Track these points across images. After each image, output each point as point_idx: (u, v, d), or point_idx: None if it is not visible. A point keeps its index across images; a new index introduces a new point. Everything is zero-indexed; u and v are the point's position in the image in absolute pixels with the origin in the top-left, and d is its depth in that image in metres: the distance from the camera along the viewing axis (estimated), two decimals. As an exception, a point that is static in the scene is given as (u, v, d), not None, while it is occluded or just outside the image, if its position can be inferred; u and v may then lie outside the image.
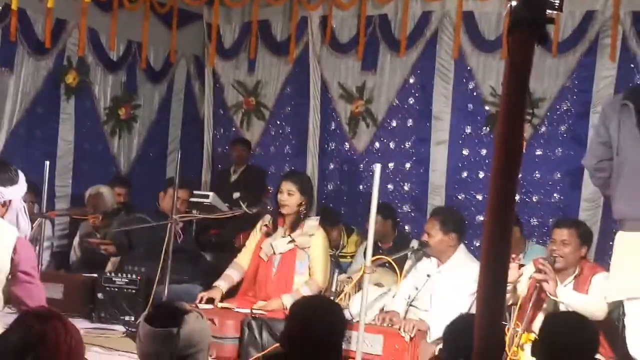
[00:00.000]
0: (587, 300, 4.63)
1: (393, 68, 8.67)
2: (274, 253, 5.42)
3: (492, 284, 1.95)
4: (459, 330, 2.86)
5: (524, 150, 2.09)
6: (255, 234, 5.62)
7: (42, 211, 5.63)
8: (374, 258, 4.65)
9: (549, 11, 2.27)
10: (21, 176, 3.69)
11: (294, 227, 5.42)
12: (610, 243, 7.39)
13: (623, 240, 4.62)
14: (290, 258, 5.41)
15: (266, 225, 5.52)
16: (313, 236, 5.44)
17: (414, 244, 6.59)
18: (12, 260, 3.54)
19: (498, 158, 2.11)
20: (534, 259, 5.07)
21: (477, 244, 7.98)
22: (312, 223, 5.49)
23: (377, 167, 4.36)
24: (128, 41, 8.99)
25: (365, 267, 4.29)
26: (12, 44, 7.89)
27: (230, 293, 5.48)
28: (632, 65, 7.53)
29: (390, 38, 8.64)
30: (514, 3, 2.39)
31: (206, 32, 9.57)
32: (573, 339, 2.76)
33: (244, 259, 5.60)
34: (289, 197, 5.37)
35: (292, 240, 5.40)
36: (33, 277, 3.58)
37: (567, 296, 4.68)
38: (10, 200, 3.60)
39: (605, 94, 7.56)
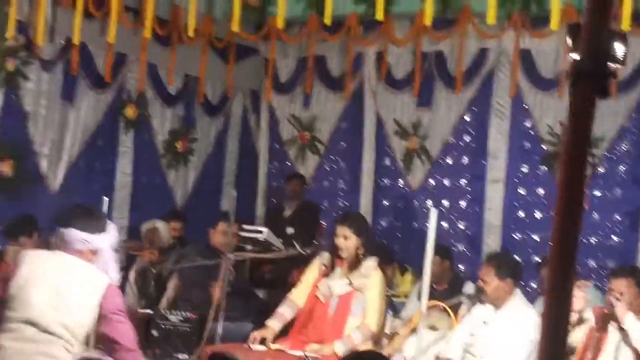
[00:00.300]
0: None
1: (448, 105, 8.64)
2: (332, 294, 5.38)
3: (554, 330, 1.93)
4: None
5: (585, 209, 2.07)
6: (312, 271, 5.57)
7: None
8: (429, 304, 4.60)
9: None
10: (111, 225, 3.75)
11: (351, 268, 5.39)
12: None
13: None
14: (347, 300, 5.35)
15: (324, 265, 5.48)
16: (370, 278, 5.39)
17: (469, 288, 6.51)
18: (101, 305, 3.57)
19: (560, 215, 2.09)
20: (594, 307, 4.97)
21: (534, 286, 7.88)
22: (370, 264, 5.43)
23: (434, 212, 4.32)
24: (186, 75, 9.12)
25: (420, 313, 4.24)
26: (73, 77, 8.05)
27: (283, 330, 5.45)
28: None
29: (446, 75, 8.62)
30: (576, 56, 2.36)
31: (263, 67, 9.65)
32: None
33: (298, 296, 5.55)
34: (345, 241, 5.33)
35: (350, 283, 5.35)
36: (123, 317, 3.63)
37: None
38: (99, 249, 3.65)
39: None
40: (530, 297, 7.67)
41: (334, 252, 5.39)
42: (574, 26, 2.13)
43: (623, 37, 2.26)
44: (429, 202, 8.66)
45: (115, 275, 3.67)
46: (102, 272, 3.64)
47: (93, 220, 3.67)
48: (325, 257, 5.51)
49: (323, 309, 5.35)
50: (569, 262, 1.98)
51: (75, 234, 3.59)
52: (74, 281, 3.57)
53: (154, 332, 5.60)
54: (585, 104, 2.18)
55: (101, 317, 3.59)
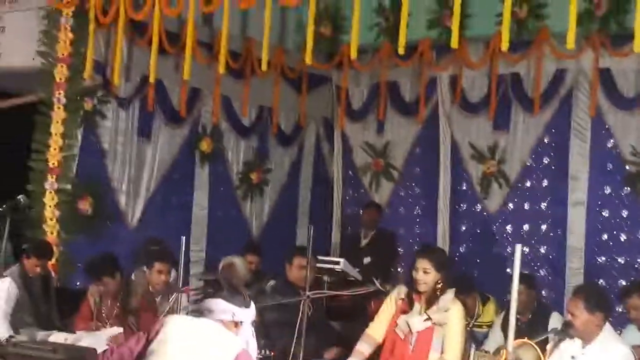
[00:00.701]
0: None
1: (526, 127, 8.48)
2: (410, 331, 5.27)
3: None
4: None
5: None
6: (390, 305, 5.47)
7: (178, 286, 5.71)
8: (516, 343, 4.45)
9: None
10: (252, 303, 3.92)
11: (430, 303, 5.27)
12: None
13: None
14: (427, 336, 5.23)
15: (402, 299, 5.39)
16: (449, 311, 5.27)
17: (555, 320, 6.31)
18: None
19: None
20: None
21: (620, 310, 7.62)
22: (448, 296, 5.31)
23: (518, 248, 4.18)
24: (259, 106, 9.15)
25: (507, 353, 4.10)
26: (150, 114, 8.14)
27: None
28: None
29: (522, 96, 8.47)
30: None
31: (335, 95, 9.64)
32: None
33: (376, 332, 5.45)
34: (425, 275, 5.22)
35: (429, 318, 5.24)
36: None
37: None
38: (241, 322, 3.83)
39: None
40: (616, 322, 7.45)
41: (412, 286, 5.29)
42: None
43: None
44: (509, 227, 8.49)
45: (254, 349, 3.87)
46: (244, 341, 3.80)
47: (238, 296, 3.85)
48: (402, 290, 5.41)
49: (403, 346, 5.25)
50: None
51: (223, 305, 3.78)
52: (212, 342, 3.71)
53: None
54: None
55: None
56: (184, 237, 5.60)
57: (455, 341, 5.23)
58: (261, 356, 5.46)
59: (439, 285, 5.23)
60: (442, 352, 5.21)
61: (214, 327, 3.78)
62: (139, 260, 6.76)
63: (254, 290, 6.76)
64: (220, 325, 3.78)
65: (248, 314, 3.88)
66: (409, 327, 5.25)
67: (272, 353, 5.42)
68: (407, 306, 5.33)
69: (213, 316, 3.79)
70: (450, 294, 5.32)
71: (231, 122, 8.91)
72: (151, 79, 7.27)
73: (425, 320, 5.22)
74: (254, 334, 3.89)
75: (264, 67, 6.78)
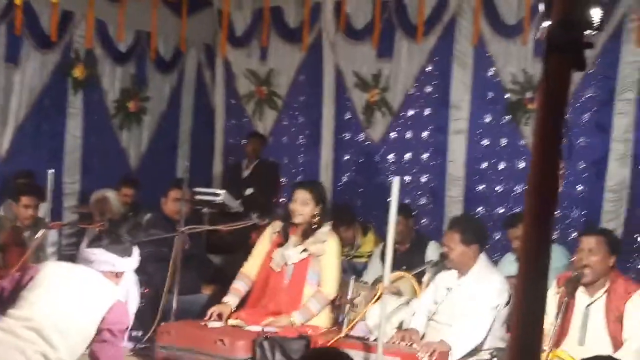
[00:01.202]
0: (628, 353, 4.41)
1: (410, 55, 8.39)
2: (286, 264, 5.19)
3: (532, 301, 1.86)
4: None
5: (560, 186, 1.92)
6: (264, 242, 5.38)
7: (45, 220, 5.43)
8: (393, 276, 4.42)
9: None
10: (135, 250, 3.68)
11: (306, 236, 5.19)
12: (635, 236, 7.23)
13: None
14: (303, 267, 5.17)
15: (277, 232, 5.29)
16: (326, 242, 5.21)
17: (432, 249, 6.35)
18: (104, 318, 3.53)
19: (533, 194, 1.97)
20: (559, 275, 4.81)
21: (497, 237, 7.77)
22: (325, 229, 5.25)
23: (396, 181, 4.10)
24: (136, 31, 8.76)
25: (383, 287, 4.06)
26: (17, 38, 7.68)
27: (239, 303, 5.27)
28: (659, 51, 7.22)
29: (406, 24, 8.35)
30: (547, 24, 2.14)
31: (217, 20, 9.31)
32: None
33: (251, 269, 5.36)
34: (303, 206, 5.14)
35: (305, 249, 5.17)
36: (117, 338, 3.54)
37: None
38: (123, 272, 3.63)
39: (630, 80, 7.27)
40: (495, 250, 7.61)
41: (288, 218, 5.19)
42: (548, -11, 1.91)
43: (599, 0, 2.04)
44: (391, 156, 8.48)
45: (135, 298, 3.69)
46: (123, 293, 3.61)
47: (118, 244, 3.72)
48: (277, 225, 5.31)
49: (278, 279, 5.19)
50: (546, 232, 1.85)
51: (103, 256, 3.67)
52: (87, 292, 3.59)
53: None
54: (560, 76, 1.99)
55: (97, 332, 3.55)
56: (52, 170, 5.32)
57: (331, 273, 5.20)
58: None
59: (317, 219, 5.15)
60: (318, 285, 5.17)
61: (91, 276, 3.65)
62: (6, 194, 6.44)
63: (129, 224, 6.55)
64: (99, 275, 3.65)
65: (129, 263, 3.73)
66: (284, 259, 5.17)
67: (146, 290, 5.26)
68: (282, 239, 5.25)
69: (93, 267, 3.67)
70: (327, 226, 5.27)
71: (106, 48, 8.51)
72: (17, 1, 6.82)
73: (301, 252, 5.15)
74: (138, 281, 3.74)
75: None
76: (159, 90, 9.11)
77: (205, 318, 4.97)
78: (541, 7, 1.88)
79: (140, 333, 5.28)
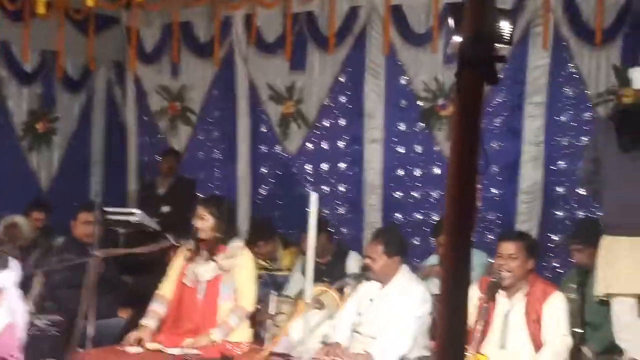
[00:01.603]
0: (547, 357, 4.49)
1: (322, 66, 8.40)
2: (199, 280, 5.13)
3: (454, 308, 1.85)
4: None
5: (479, 202, 1.92)
6: (177, 261, 5.31)
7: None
8: (315, 291, 4.38)
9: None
10: (13, 262, 3.44)
11: (212, 251, 5.14)
12: (549, 235, 7.38)
13: (608, 244, 5.04)
14: (216, 284, 5.12)
15: (189, 249, 5.22)
16: (237, 257, 5.16)
17: (353, 261, 6.34)
18: None
19: (451, 208, 1.97)
20: (481, 279, 4.86)
21: (417, 242, 7.83)
22: (236, 244, 5.22)
23: (314, 196, 4.08)
24: (42, 51, 8.54)
25: (306, 303, 4.01)
26: None
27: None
28: (564, 53, 7.39)
29: (318, 35, 8.37)
30: (458, 39, 2.14)
31: (126, 37, 9.15)
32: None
33: (166, 290, 5.28)
34: (202, 221, 5.11)
35: (216, 265, 5.11)
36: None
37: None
38: (3, 287, 3.37)
39: (539, 84, 7.42)
40: (414, 255, 7.65)
41: (195, 235, 5.14)
42: (457, 5, 1.91)
43: (508, 14, 2.06)
44: (309, 167, 8.46)
45: (22, 314, 3.41)
46: (7, 311, 3.36)
47: None
48: (189, 243, 5.24)
49: (192, 297, 5.12)
50: (466, 241, 1.85)
51: None
52: None
53: (21, 340, 5.17)
54: (473, 90, 1.99)
55: None
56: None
57: (247, 286, 5.16)
58: (48, 322, 5.13)
59: (218, 234, 5.10)
60: (235, 300, 5.11)
61: None
62: None
63: (41, 249, 6.35)
64: None
65: (8, 277, 3.50)
66: (196, 276, 5.10)
67: (61, 318, 5.09)
68: (194, 256, 5.18)
69: None
70: (238, 241, 5.25)
71: (11, 69, 8.27)
72: None
73: (213, 269, 5.10)
74: (23, 296, 3.53)
75: (40, 9, 6.28)
76: (69, 110, 8.89)
77: (124, 343, 4.84)
78: (451, 22, 1.87)
79: (54, 363, 5.11)
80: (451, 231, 1.96)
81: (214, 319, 5.07)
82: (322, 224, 6.24)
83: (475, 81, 1.97)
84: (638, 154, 5.01)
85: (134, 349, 4.80)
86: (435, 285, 6.05)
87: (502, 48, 2.12)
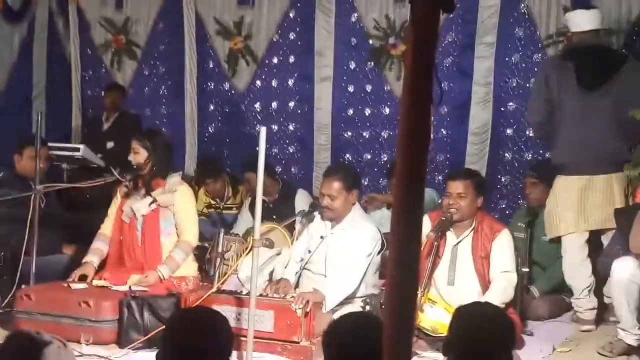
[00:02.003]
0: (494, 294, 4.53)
1: (272, 1, 8.23)
2: (135, 216, 5.05)
3: (406, 249, 1.81)
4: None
5: (431, 135, 1.87)
6: (116, 199, 5.23)
7: None
8: (265, 228, 4.32)
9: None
10: None
11: (149, 186, 5.06)
12: (499, 177, 7.42)
13: (561, 183, 5.17)
14: (154, 219, 5.06)
15: (126, 186, 5.13)
16: (176, 192, 5.08)
17: (300, 196, 6.28)
18: None
19: (403, 145, 1.91)
20: (431, 214, 4.86)
21: (365, 183, 7.80)
22: (174, 179, 5.14)
23: (263, 130, 3.99)
24: (-20, -21, 8.20)
25: (254, 240, 3.95)
26: None
27: (101, 265, 5.09)
28: (516, -7, 7.34)
29: (267, -32, 8.16)
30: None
31: (67, -35, 8.83)
32: (488, 336, 2.51)
33: (107, 228, 5.23)
34: (136, 155, 5.02)
35: (154, 200, 5.03)
36: None
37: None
38: None
39: (490, 24, 7.37)
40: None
41: (133, 171, 5.05)
42: None
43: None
44: (258, 105, 8.33)
45: None
46: None
47: None
48: (127, 177, 5.14)
49: (131, 233, 5.07)
50: (419, 176, 1.81)
51: None
52: None
53: (-41, 277, 5.05)
54: (428, 20, 1.91)
55: None
56: None
57: (188, 220, 5.12)
58: (-10, 257, 5.01)
59: (152, 167, 5.01)
60: (178, 235, 5.05)
61: None
62: None
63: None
64: None
65: None
66: (133, 212, 5.02)
67: (2, 254, 4.96)
68: (131, 191, 5.10)
69: None
70: (176, 176, 5.19)
71: (-54, -3, 7.93)
72: None
73: (150, 204, 5.02)
74: None
75: None
76: (9, 42, 8.59)
77: (69, 280, 4.76)
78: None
79: (-2, 298, 5.00)
80: (404, 165, 1.89)
81: (158, 255, 5.02)
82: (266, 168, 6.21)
83: (430, 9, 1.88)
84: (597, 93, 5.04)
85: (78, 285, 4.71)
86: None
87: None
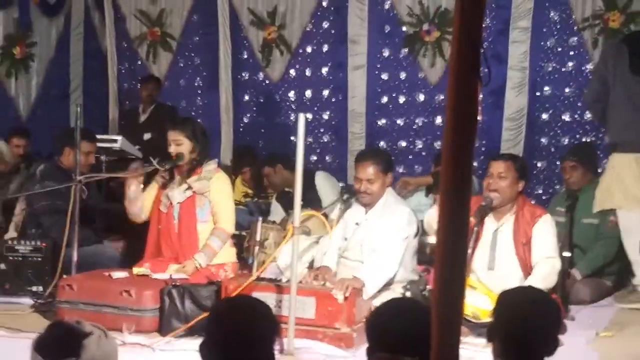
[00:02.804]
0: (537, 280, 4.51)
1: (304, -10, 8.22)
2: (172, 204, 5.07)
3: (454, 235, 1.81)
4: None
5: (479, 115, 1.87)
6: (151, 188, 5.24)
7: None
8: (303, 216, 4.34)
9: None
10: None
11: (189, 174, 5.08)
12: (535, 162, 7.38)
13: (618, 159, 5.27)
14: (190, 206, 5.06)
15: (162, 176, 5.14)
16: (212, 180, 5.10)
17: (321, 178, 6.26)
18: None
19: (451, 122, 1.90)
20: (473, 198, 4.83)
21: (400, 170, 7.80)
22: (210, 167, 5.14)
23: (301, 117, 3.99)
24: (17, -26, 8.31)
25: (293, 228, 3.97)
26: None
27: (140, 255, 5.13)
28: (551, -21, 7.28)
29: (300, -44, 8.17)
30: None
31: (102, -41, 8.90)
32: (536, 320, 2.50)
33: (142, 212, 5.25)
34: (178, 147, 5.02)
35: (189, 187, 5.05)
36: None
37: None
38: None
39: (525, 9, 7.32)
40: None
41: (173, 161, 5.06)
42: None
43: None
44: (292, 95, 8.35)
45: None
46: None
47: None
48: (166, 168, 5.16)
49: (168, 221, 5.08)
50: (467, 164, 1.80)
51: None
52: None
53: (2, 266, 5.12)
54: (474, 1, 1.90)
55: None
56: None
57: (225, 208, 5.13)
58: (32, 247, 5.08)
59: (196, 156, 5.02)
60: (214, 223, 5.07)
61: None
62: None
63: (22, 176, 6.25)
64: None
65: None
66: (169, 200, 5.04)
67: (44, 245, 5.03)
68: (167, 182, 5.13)
69: None
70: (212, 164, 5.19)
71: (-15, -8, 8.05)
72: None
73: (186, 190, 5.04)
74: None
75: None
76: (46, 35, 8.71)
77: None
78: None
79: (40, 288, 5.07)
80: (452, 145, 1.88)
81: (195, 243, 5.04)
82: (284, 161, 6.27)
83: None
84: None
85: (119, 274, 4.77)
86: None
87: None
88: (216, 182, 5.11)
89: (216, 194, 5.09)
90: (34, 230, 5.48)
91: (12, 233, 5.80)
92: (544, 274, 4.51)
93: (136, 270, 4.84)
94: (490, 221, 4.73)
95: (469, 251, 4.45)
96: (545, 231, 4.63)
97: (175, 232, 5.07)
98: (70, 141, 5.36)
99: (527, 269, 4.60)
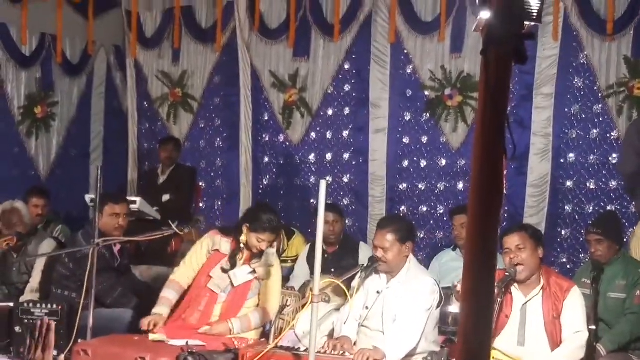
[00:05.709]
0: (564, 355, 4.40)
1: (327, 54, 8.25)
2: (232, 285, 4.98)
3: (481, 303, 1.71)
4: None
5: (505, 183, 1.81)
6: (200, 253, 5.12)
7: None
8: (323, 284, 4.24)
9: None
10: None
11: (253, 258, 5.03)
12: (559, 230, 7.25)
13: None
14: (245, 289, 5.02)
15: (216, 250, 5.05)
16: (272, 267, 5.08)
17: (363, 253, 6.18)
18: None
19: (476, 199, 1.84)
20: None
21: (421, 236, 7.70)
22: (271, 250, 5.11)
23: (323, 184, 3.92)
24: (41, 34, 8.39)
25: (313, 296, 3.86)
26: None
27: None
28: (574, 44, 7.24)
29: (322, 22, 8.21)
30: (485, 16, 2.00)
31: (126, 21, 8.98)
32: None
33: (182, 278, 5.10)
34: (259, 243, 4.95)
35: (253, 271, 5.00)
36: None
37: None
38: None
39: (549, 75, 7.28)
40: (419, 249, 7.52)
41: (238, 246, 5.02)
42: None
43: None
44: (312, 157, 8.31)
45: None
46: None
47: None
48: (217, 241, 5.07)
49: (212, 298, 4.96)
50: (493, 232, 1.73)
51: None
52: None
53: (17, 329, 5.02)
54: (500, 69, 1.85)
55: None
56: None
57: (275, 296, 5.09)
58: (48, 310, 4.99)
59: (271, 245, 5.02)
60: (260, 302, 5.04)
61: None
62: None
63: (40, 237, 6.19)
64: None
65: None
66: (230, 279, 4.95)
67: (59, 307, 4.94)
68: (228, 268, 5.02)
69: None
70: (272, 248, 5.10)
71: (9, 52, 8.11)
72: None
73: (249, 274, 4.98)
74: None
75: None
76: (68, 95, 8.75)
77: (143, 327, 4.72)
78: (477, -3, 1.73)
79: (55, 353, 4.96)
80: (476, 218, 1.83)
81: (234, 314, 4.96)
82: (336, 209, 6.27)
83: (502, 59, 1.84)
84: None
85: (157, 337, 4.66)
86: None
87: (530, 25, 1.97)
88: (276, 269, 5.13)
89: (273, 281, 5.09)
90: (53, 292, 5.43)
91: (27, 295, 5.71)
92: (572, 348, 4.38)
93: (152, 336, 4.73)
94: (517, 295, 4.60)
95: (494, 322, 4.32)
96: (575, 305, 4.52)
97: (214, 305, 4.98)
98: (104, 205, 5.35)
99: (556, 344, 4.47)
